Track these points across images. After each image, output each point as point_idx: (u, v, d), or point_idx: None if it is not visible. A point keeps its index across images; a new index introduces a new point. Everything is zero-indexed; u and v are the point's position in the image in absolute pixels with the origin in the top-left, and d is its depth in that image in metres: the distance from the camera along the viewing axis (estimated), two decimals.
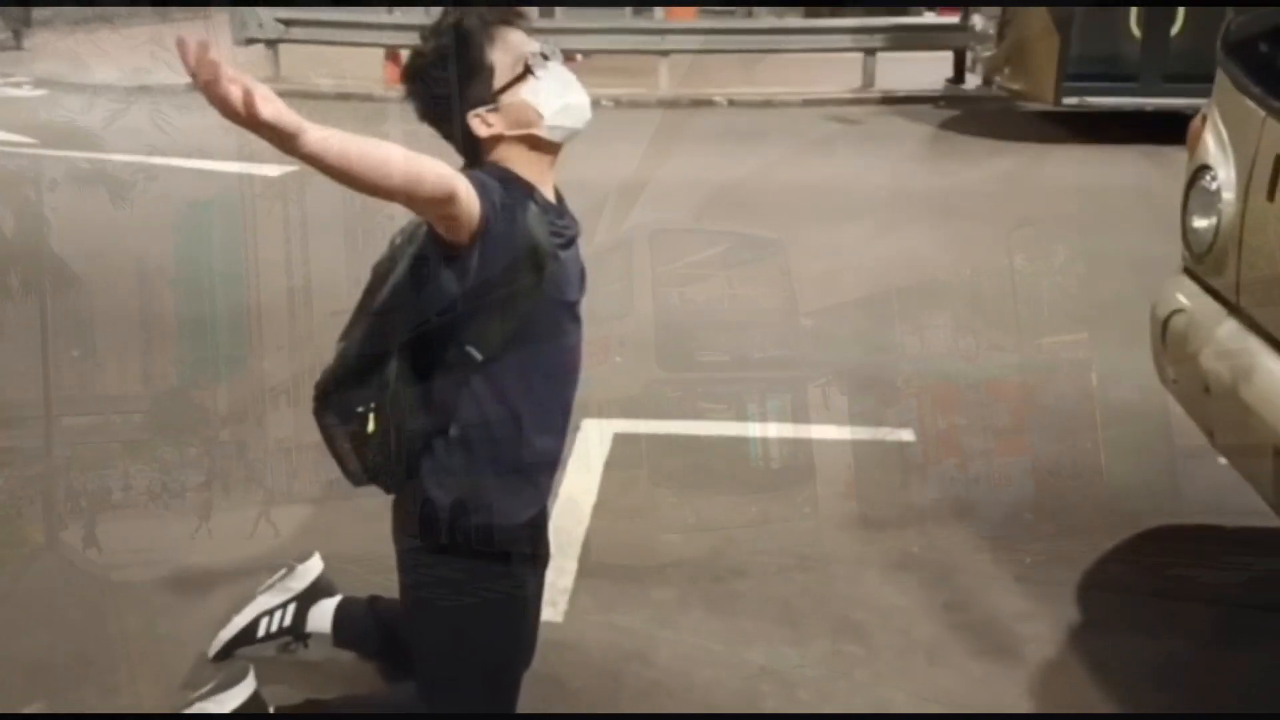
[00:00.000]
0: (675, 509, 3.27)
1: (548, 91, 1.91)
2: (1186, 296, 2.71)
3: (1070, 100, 8.80)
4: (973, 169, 8.02)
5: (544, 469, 2.07)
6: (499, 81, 1.89)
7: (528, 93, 1.90)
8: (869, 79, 11.34)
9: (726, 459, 3.60)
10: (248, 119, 1.50)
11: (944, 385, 4.11)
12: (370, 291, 2.00)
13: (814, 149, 8.98)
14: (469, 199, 1.75)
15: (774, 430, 3.83)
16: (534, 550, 2.16)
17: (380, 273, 1.98)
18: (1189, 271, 2.77)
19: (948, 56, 11.56)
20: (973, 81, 11.19)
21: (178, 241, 5.69)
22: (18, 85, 11.53)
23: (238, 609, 2.53)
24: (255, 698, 2.30)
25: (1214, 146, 2.62)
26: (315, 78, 11.00)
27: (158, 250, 5.40)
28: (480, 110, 1.89)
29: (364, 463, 1.98)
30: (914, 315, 4.82)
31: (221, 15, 11.85)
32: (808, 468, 3.53)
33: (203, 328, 4.68)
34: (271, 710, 2.29)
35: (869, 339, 4.58)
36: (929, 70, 11.58)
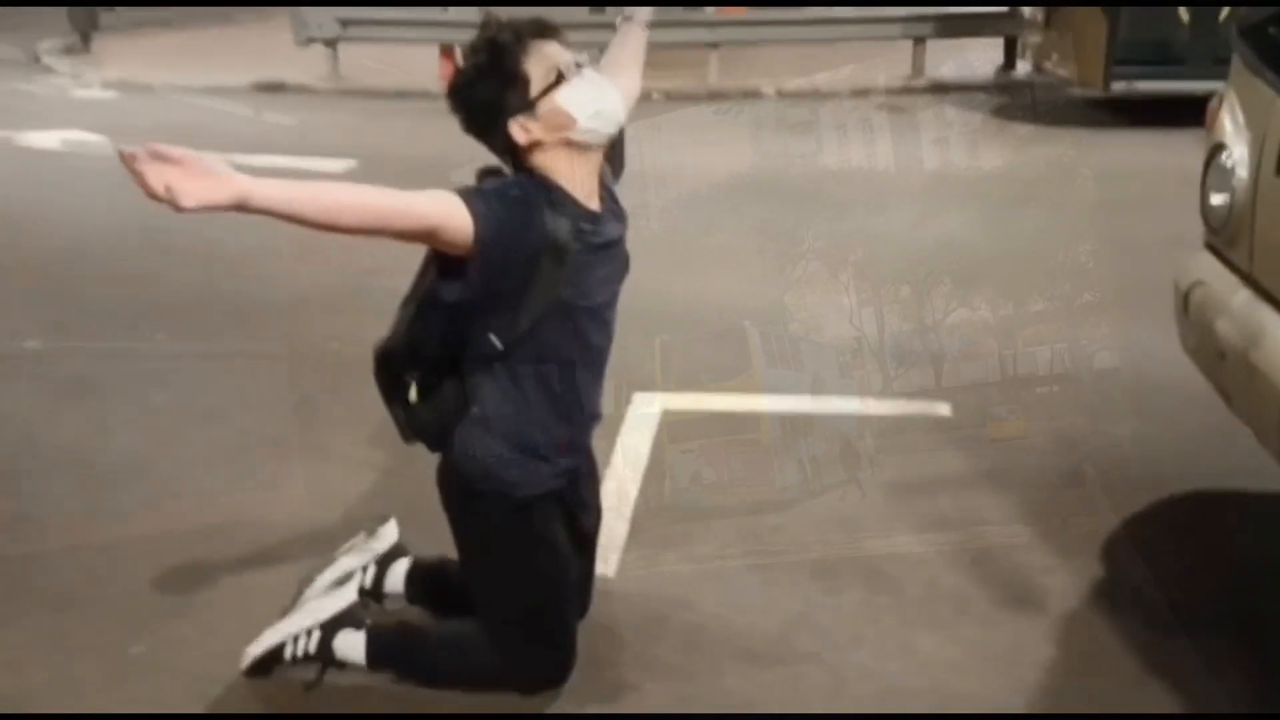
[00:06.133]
0: (719, 476, 3.46)
1: (581, 97, 2.08)
2: (1206, 269, 2.84)
3: (1119, 86, 8.81)
4: (1022, 155, 8.09)
5: (562, 452, 2.29)
6: (535, 89, 2.06)
7: (562, 99, 2.07)
8: (919, 67, 11.38)
9: (769, 432, 3.78)
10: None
11: (983, 362, 4.26)
12: (424, 270, 2.22)
13: (863, 137, 9.07)
14: (457, 226, 1.94)
15: (817, 404, 4.00)
16: (571, 513, 2.40)
17: (430, 254, 2.17)
18: (1209, 245, 2.90)
19: (999, 44, 11.58)
20: (1023, 69, 11.19)
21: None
22: (88, 86, 11.95)
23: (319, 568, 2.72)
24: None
25: (1230, 126, 2.75)
26: (374, 76, 11.30)
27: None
28: (519, 118, 2.07)
29: (411, 425, 2.26)
30: (960, 296, 4.96)
31: (282, 16, 12.19)
32: (848, 437, 3.70)
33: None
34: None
35: (913, 318, 4.72)
36: (981, 58, 11.61)
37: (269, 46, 12.74)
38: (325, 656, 2.46)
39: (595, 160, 2.19)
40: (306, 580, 2.69)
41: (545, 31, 2.12)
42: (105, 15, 15.02)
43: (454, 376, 2.22)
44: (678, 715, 2.42)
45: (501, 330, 2.12)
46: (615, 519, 3.12)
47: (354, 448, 3.61)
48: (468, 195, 2.00)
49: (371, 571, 2.71)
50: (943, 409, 3.90)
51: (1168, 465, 3.41)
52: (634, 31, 2.63)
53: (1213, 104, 2.89)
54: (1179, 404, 3.52)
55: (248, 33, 15.47)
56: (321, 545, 2.84)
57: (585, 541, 2.53)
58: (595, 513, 2.57)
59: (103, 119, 9.44)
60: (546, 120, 2.08)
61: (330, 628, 2.47)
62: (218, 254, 5.41)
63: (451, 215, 1.94)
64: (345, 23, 11.72)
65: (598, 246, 2.17)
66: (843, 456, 3.58)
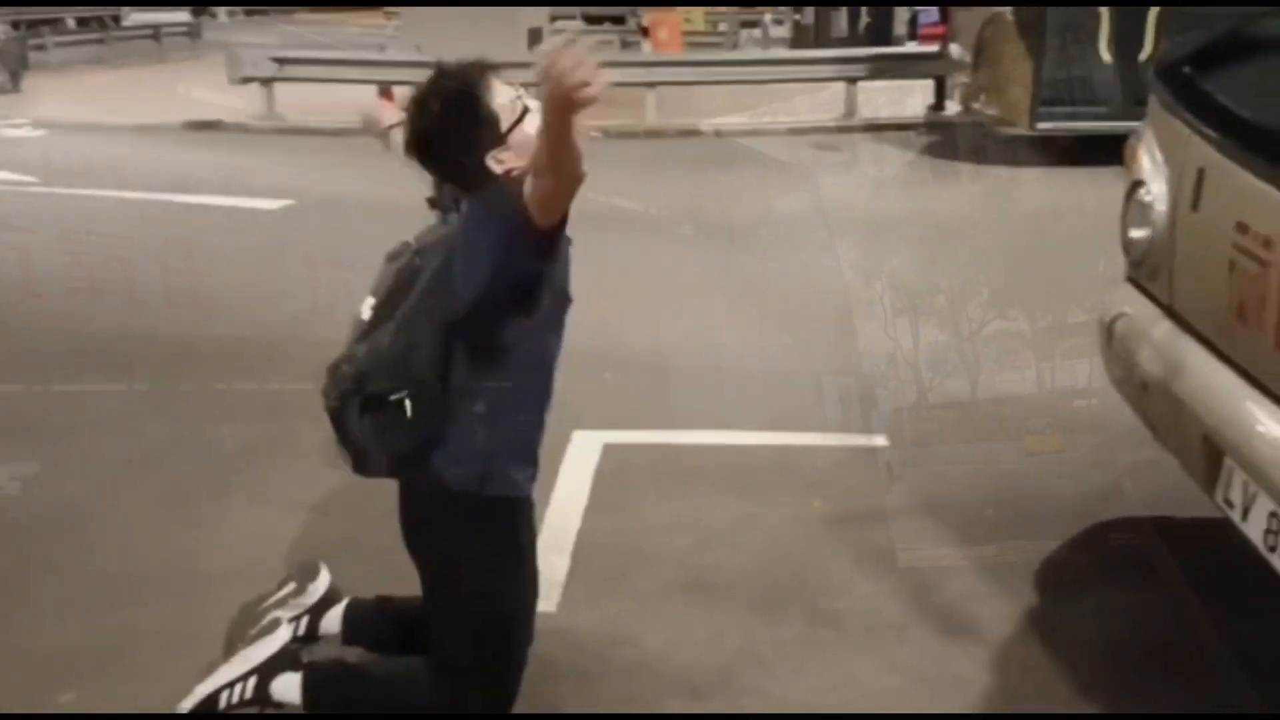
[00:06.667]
0: (660, 511, 3.47)
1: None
2: (1128, 302, 2.93)
3: (1045, 125, 9.07)
4: (952, 191, 8.29)
5: (540, 445, 2.31)
6: (505, 123, 2.14)
7: (530, 127, 2.13)
8: (852, 107, 11.63)
9: (709, 466, 3.81)
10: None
11: (915, 394, 4.33)
12: (394, 295, 2.24)
13: (799, 175, 9.22)
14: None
15: (755, 438, 4.04)
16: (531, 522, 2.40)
17: (403, 279, 2.22)
18: (1130, 279, 2.99)
19: (929, 85, 11.86)
20: (952, 109, 11.47)
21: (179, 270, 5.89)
22: (17, 126, 11.76)
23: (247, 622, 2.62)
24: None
25: (1148, 163, 2.84)
26: (311, 115, 11.26)
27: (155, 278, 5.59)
28: (493, 152, 2.14)
29: (390, 449, 2.22)
30: (892, 329, 5.05)
31: (217, 54, 12.14)
32: (787, 470, 3.73)
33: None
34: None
35: (847, 352, 4.79)
36: (912, 98, 11.88)
37: (203, 85, 12.66)
38: (263, 700, 2.41)
39: None
40: (237, 632, 2.63)
41: (494, 69, 2.21)
42: (35, 54, 14.83)
43: (442, 388, 2.20)
44: (677, 715, 2.41)
45: (507, 326, 2.17)
46: (556, 554, 3.11)
47: (291, 488, 3.56)
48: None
49: (304, 622, 2.67)
50: (880, 440, 3.96)
51: (1098, 493, 3.49)
52: None
53: (1131, 141, 2.98)
54: (1108, 434, 3.60)
55: (182, 71, 15.37)
56: (258, 590, 2.79)
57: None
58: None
59: (32, 158, 9.29)
60: (518, 150, 2.14)
61: (266, 671, 2.42)
62: (150, 294, 5.33)
63: None
64: (281, 61, 11.70)
65: (567, 260, 2.25)
66: (783, 489, 3.60)
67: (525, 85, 2.20)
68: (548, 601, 2.86)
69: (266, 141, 10.67)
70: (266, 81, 11.70)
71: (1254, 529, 2.27)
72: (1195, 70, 2.77)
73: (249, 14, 31.28)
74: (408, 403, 2.18)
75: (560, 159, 1.89)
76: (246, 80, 11.72)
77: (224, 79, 11.80)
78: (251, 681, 2.41)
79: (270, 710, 2.42)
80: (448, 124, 2.15)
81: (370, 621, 2.66)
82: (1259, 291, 2.28)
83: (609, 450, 3.88)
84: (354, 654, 2.61)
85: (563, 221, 2.05)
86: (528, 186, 1.98)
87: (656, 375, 4.60)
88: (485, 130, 2.14)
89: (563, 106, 1.79)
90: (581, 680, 2.62)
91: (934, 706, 2.54)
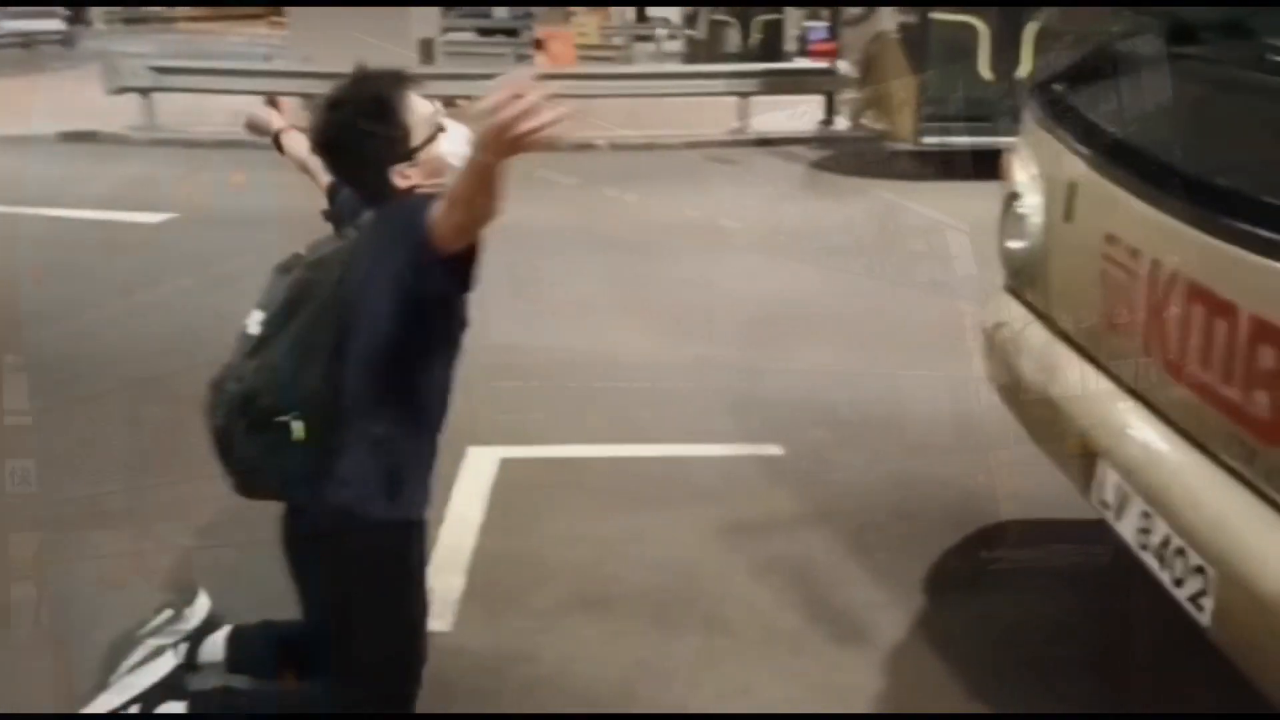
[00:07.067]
0: (557, 525, 3.45)
1: (454, 146, 2.14)
2: (1006, 311, 3.02)
3: (930, 140, 9.33)
4: (841, 204, 8.45)
5: (434, 466, 2.27)
6: (416, 139, 2.11)
7: (442, 150, 2.12)
8: (745, 122, 11.79)
9: (606, 479, 3.80)
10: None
11: (807, 404, 4.39)
12: (285, 310, 2.15)
13: (693, 188, 9.31)
14: None
15: (651, 450, 4.05)
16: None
17: (295, 293, 2.13)
18: (1009, 288, 3.08)
19: (819, 100, 12.10)
20: (841, 124, 11.72)
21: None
22: None
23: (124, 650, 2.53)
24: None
25: (1023, 176, 2.94)
26: (192, 125, 10.95)
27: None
28: (400, 166, 2.11)
29: (280, 470, 2.12)
30: (782, 341, 5.13)
31: (93, 64, 11.72)
32: (682, 482, 3.75)
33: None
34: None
35: (741, 364, 4.84)
36: (805, 113, 12.10)
37: (80, 95, 12.22)
38: None
39: None
40: (112, 662, 2.52)
41: (412, 82, 2.17)
42: None
43: (336, 409, 2.14)
44: (675, 715, 2.39)
45: (416, 345, 2.12)
46: (451, 573, 3.07)
47: (173, 512, 3.44)
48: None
49: (184, 648, 2.57)
50: (774, 450, 4.01)
51: (984, 498, 3.58)
52: None
53: (1007, 155, 3.09)
54: (992, 440, 3.70)
55: (58, 81, 14.81)
56: (137, 619, 2.69)
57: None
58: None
59: None
60: (425, 168, 2.12)
61: (150, 701, 2.34)
62: (18, 311, 5.11)
63: None
64: (161, 70, 11.36)
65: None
66: (678, 500, 3.62)
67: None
68: (443, 621, 2.83)
69: (146, 153, 10.33)
70: (145, 91, 11.34)
71: (1127, 529, 2.35)
72: (1066, 87, 2.88)
73: (127, 22, 30.31)
74: (300, 423, 2.11)
75: (482, 196, 1.86)
76: (124, 90, 11.34)
77: (101, 89, 11.42)
78: (134, 710, 2.33)
79: None
80: (358, 128, 2.09)
81: (255, 647, 2.58)
82: (1127, 300, 2.38)
83: (505, 465, 3.85)
84: (239, 681, 2.53)
85: (473, 249, 2.00)
86: (437, 209, 1.95)
87: (553, 389, 4.58)
88: (396, 142, 2.10)
89: (506, 149, 1.74)
90: (478, 699, 2.59)
91: (821, 711, 2.57)
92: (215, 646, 2.58)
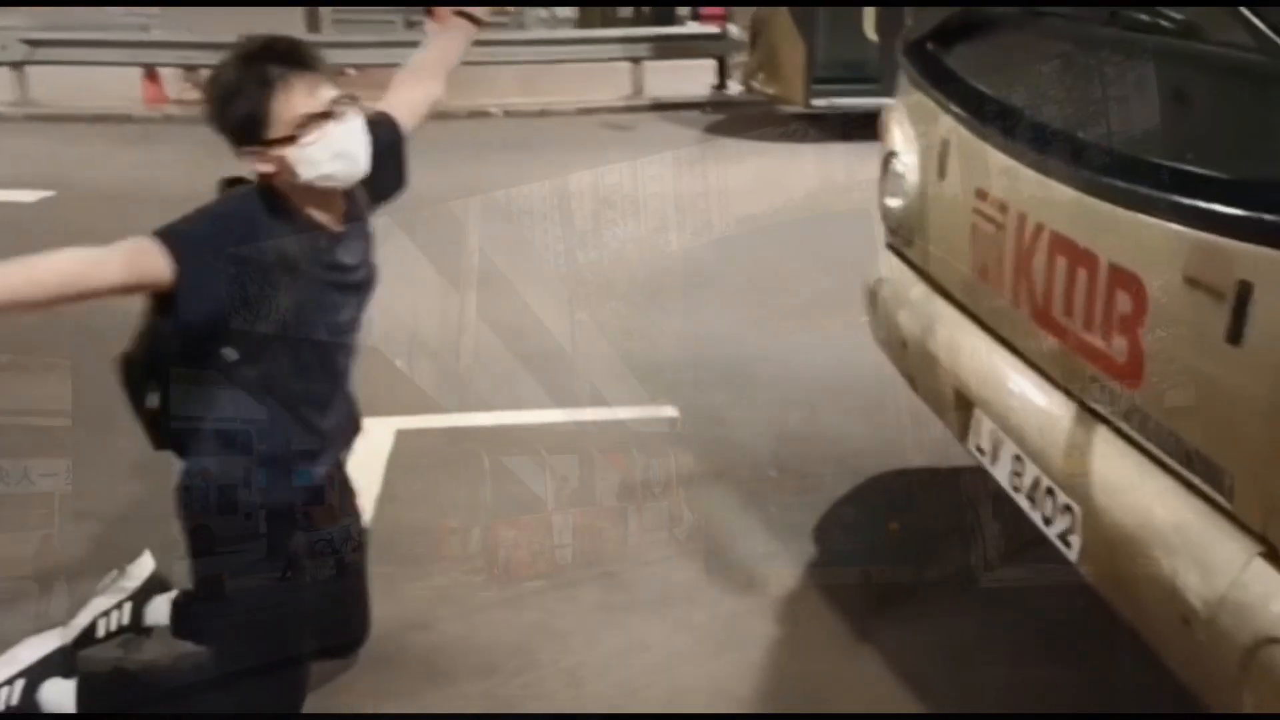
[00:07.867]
0: (455, 494, 3.46)
1: (315, 156, 2.02)
2: (888, 267, 3.11)
3: (820, 102, 9.46)
4: (735, 167, 8.53)
5: (296, 460, 2.23)
6: (270, 134, 2.00)
7: (292, 157, 2.02)
8: (639, 87, 11.78)
9: (503, 447, 3.81)
10: None
11: (703, 365, 4.46)
12: None
13: (588, 154, 9.29)
14: (150, 270, 1.93)
15: (549, 416, 4.07)
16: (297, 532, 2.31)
17: None
18: (890, 245, 3.17)
19: (712, 64, 12.15)
20: (734, 88, 11.79)
21: None
22: None
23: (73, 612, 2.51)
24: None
25: (899, 135, 3.02)
26: (68, 99, 10.53)
27: None
28: (256, 149, 2.02)
29: (157, 434, 2.20)
30: (676, 305, 5.18)
31: None
32: (578, 444, 3.79)
33: None
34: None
35: (636, 328, 4.88)
36: (698, 77, 12.14)
37: None
38: (29, 708, 2.27)
39: (337, 193, 2.15)
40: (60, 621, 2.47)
41: (306, 63, 2.04)
42: None
43: (192, 387, 2.13)
44: (675, 715, 2.44)
45: (236, 343, 2.07)
46: None
47: (114, 477, 3.35)
48: (167, 235, 1.96)
49: (128, 608, 2.55)
50: (670, 411, 4.06)
51: (872, 450, 3.69)
52: (456, 37, 2.64)
53: (884, 115, 3.16)
54: (877, 392, 3.82)
55: None
56: (83, 587, 2.64)
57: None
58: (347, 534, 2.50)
59: None
60: (279, 164, 2.03)
61: (34, 676, 2.29)
62: None
63: (145, 268, 1.94)
64: (34, 43, 10.88)
65: (336, 266, 2.15)
66: (573, 465, 3.65)
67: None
68: None
69: (20, 129, 9.89)
70: (17, 65, 10.86)
71: (1001, 472, 2.46)
72: (937, 47, 2.96)
73: None
74: (153, 395, 2.16)
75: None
76: None
77: None
78: (18, 686, 2.28)
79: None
80: (229, 102, 2.01)
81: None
82: (996, 253, 2.47)
83: (401, 436, 3.84)
84: (152, 652, 2.48)
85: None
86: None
87: (447, 360, 4.56)
88: (249, 127, 2.00)
89: None
90: (378, 666, 2.59)
91: (718, 660, 2.65)
92: (160, 610, 2.55)
